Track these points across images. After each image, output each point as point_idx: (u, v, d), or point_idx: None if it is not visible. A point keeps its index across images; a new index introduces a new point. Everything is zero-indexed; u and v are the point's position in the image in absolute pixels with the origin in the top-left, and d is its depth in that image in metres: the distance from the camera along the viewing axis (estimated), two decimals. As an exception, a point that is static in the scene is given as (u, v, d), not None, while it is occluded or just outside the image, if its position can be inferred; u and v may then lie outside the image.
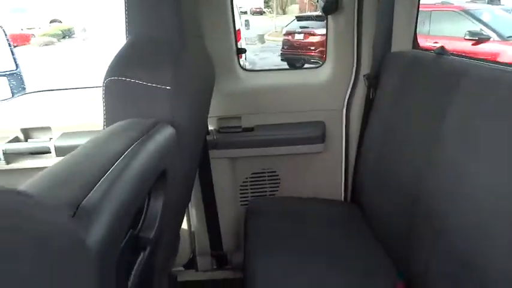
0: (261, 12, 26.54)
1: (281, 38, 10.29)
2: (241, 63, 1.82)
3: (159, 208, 0.84)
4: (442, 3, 7.58)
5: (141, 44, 0.95)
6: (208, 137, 1.72)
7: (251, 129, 1.76)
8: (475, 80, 1.03)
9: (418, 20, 1.63)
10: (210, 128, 1.74)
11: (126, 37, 0.96)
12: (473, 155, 0.95)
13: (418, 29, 1.64)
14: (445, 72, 1.17)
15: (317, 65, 1.87)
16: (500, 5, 9.23)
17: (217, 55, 1.58)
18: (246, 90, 1.76)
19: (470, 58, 1.27)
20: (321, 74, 1.77)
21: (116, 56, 0.92)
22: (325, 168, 1.83)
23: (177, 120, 0.92)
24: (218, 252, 1.91)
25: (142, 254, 0.80)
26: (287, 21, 11.16)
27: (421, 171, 1.15)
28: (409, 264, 1.16)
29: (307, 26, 9.15)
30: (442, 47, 1.26)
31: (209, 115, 1.57)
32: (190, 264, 1.97)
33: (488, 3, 9.66)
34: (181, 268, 1.96)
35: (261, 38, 16.20)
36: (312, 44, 8.74)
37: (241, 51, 1.82)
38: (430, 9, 7.00)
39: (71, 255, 0.43)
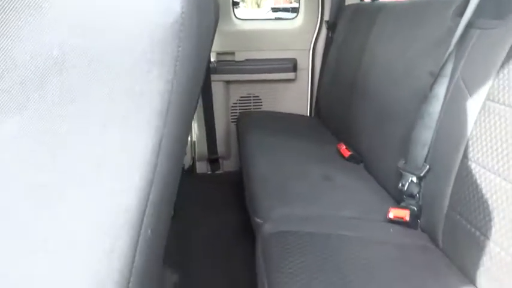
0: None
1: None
2: (236, 12, 2.43)
3: None
4: None
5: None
6: (210, 65, 2.32)
7: (242, 61, 2.37)
8: (385, 13, 1.69)
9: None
10: (212, 59, 2.34)
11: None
12: (384, 56, 1.60)
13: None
14: (371, 12, 1.83)
15: (292, 17, 2.50)
16: None
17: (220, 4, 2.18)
18: (239, 33, 2.37)
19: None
20: (295, 23, 2.41)
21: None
22: (295, 93, 2.47)
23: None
24: (214, 157, 2.51)
25: None
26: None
27: (356, 73, 1.80)
28: (348, 129, 1.81)
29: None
30: (375, -5, 1.93)
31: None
32: (190, 170, 2.56)
33: None
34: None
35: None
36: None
37: (236, 3, 2.43)
38: None
39: None
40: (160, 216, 0.47)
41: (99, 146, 0.40)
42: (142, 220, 0.45)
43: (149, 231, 0.45)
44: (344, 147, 1.75)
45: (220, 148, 2.51)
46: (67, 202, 0.42)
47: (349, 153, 1.70)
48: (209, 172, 2.58)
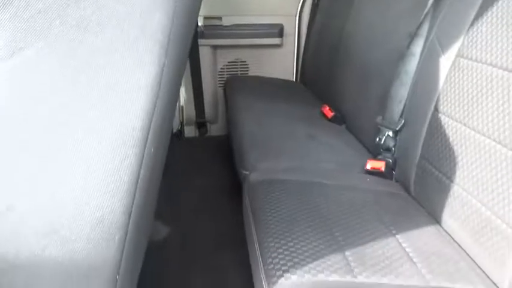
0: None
1: None
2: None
3: None
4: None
5: None
6: (197, 29, 2.33)
7: (229, 26, 2.40)
8: None
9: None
10: (199, 24, 2.35)
11: None
12: (366, 19, 1.66)
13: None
14: None
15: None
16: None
17: None
18: (225, -3, 2.38)
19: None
20: (282, -11, 2.44)
21: None
22: (282, 59, 2.52)
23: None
24: (201, 121, 2.56)
25: None
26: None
27: (340, 37, 1.86)
28: (332, 91, 1.89)
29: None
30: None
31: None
32: (179, 134, 2.61)
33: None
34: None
35: None
36: None
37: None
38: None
39: None
40: (161, 135, 0.54)
41: (110, 70, 0.46)
42: (146, 139, 0.52)
43: (152, 149, 0.52)
44: (327, 108, 1.82)
45: (208, 112, 2.57)
46: (85, 122, 0.48)
47: (332, 114, 1.78)
48: (197, 136, 2.64)
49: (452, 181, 1.01)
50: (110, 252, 0.51)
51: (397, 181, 1.29)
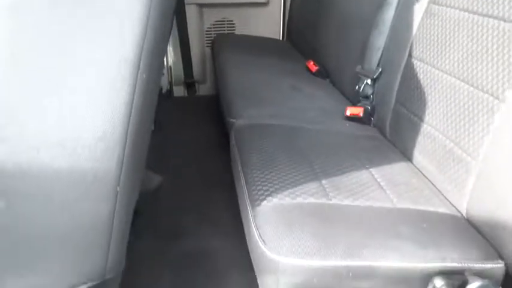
0: None
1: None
2: None
3: None
4: None
5: None
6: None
7: (215, -17, 2.40)
8: None
9: None
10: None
11: None
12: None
13: None
14: None
15: None
16: None
17: None
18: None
19: None
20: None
21: None
22: (268, 18, 2.54)
23: None
24: (190, 81, 2.60)
25: None
26: None
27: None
28: (316, 47, 1.94)
29: None
30: None
31: None
32: (168, 94, 2.66)
33: None
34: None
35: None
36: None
37: None
38: None
39: None
40: (152, 65, 0.60)
41: (104, 7, 0.52)
42: (138, 67, 0.58)
43: (144, 75, 0.59)
44: (312, 63, 1.88)
45: (196, 72, 2.60)
46: (84, 51, 0.55)
47: (316, 68, 1.84)
48: (186, 95, 2.69)
49: (422, 120, 1.09)
50: (111, 165, 0.59)
51: (375, 126, 1.37)
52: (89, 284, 0.71)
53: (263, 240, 0.77)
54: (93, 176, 0.59)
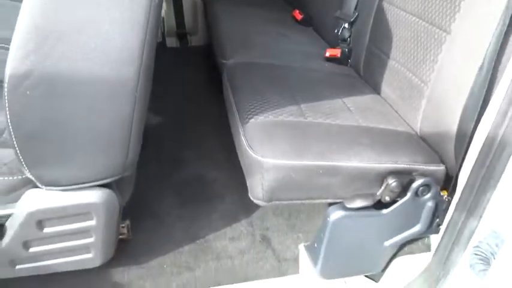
0: None
1: None
2: None
3: None
4: None
5: None
6: None
7: None
8: None
9: None
10: None
11: None
12: None
13: None
14: None
15: None
16: None
17: None
18: None
19: None
20: None
21: None
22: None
23: None
24: (182, 32, 2.71)
25: None
26: None
27: None
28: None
29: None
30: None
31: None
32: (161, 45, 2.77)
33: None
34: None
35: None
36: None
37: None
38: None
39: None
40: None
41: None
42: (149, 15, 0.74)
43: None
44: (297, 12, 2.02)
45: (188, 23, 2.71)
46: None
47: (301, 16, 1.98)
48: (179, 46, 2.80)
49: (389, 57, 1.26)
50: (131, 73, 0.75)
51: (351, 66, 1.54)
52: (112, 178, 0.90)
53: (251, 147, 0.96)
54: (118, 82, 0.76)
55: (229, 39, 1.63)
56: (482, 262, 0.90)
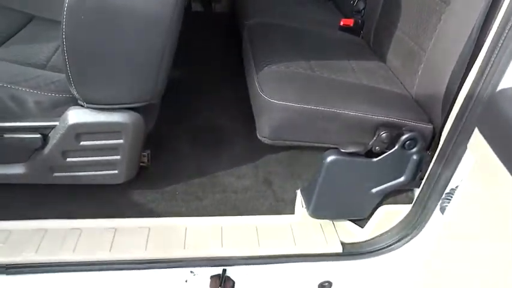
0: None
1: None
2: None
3: None
4: None
5: None
6: None
7: None
8: None
9: None
10: None
11: None
12: None
13: None
14: None
15: None
16: None
17: None
18: None
19: None
20: None
21: None
22: None
23: None
24: (207, -3, 2.83)
25: None
26: None
27: None
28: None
29: None
30: None
31: None
32: (187, 7, 2.88)
33: None
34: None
35: None
36: None
37: None
38: None
39: None
40: None
41: None
42: None
43: None
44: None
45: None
46: None
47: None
48: (203, 11, 2.92)
49: (396, 27, 1.38)
50: (167, 11, 0.89)
51: (363, 38, 1.66)
52: (142, 103, 1.05)
53: (262, 90, 1.10)
54: (156, 17, 0.90)
55: (252, 3, 1.75)
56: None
